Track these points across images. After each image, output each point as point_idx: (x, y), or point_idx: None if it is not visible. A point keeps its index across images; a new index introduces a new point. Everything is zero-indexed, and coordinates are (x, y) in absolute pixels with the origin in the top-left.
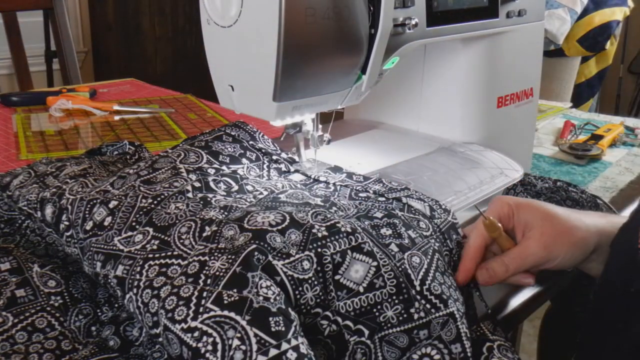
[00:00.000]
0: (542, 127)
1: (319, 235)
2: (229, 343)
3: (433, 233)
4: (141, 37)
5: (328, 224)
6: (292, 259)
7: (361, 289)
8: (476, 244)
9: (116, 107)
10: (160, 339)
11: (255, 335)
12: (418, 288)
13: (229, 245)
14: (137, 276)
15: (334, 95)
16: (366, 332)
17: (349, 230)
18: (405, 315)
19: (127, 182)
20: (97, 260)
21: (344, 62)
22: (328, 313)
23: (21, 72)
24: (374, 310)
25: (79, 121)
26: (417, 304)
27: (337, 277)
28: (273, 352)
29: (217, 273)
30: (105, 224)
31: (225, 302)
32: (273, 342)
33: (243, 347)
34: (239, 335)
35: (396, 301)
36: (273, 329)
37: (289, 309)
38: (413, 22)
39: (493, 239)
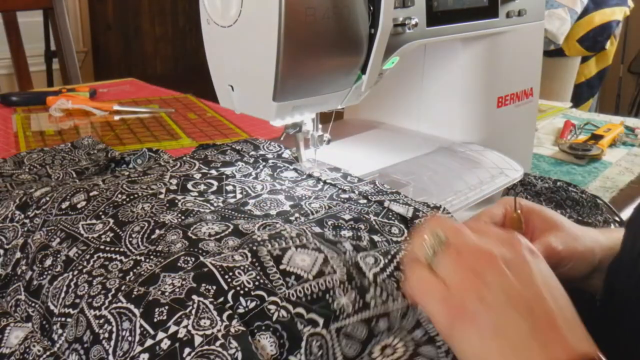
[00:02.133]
0: (542, 127)
1: (258, 239)
2: (122, 334)
3: (407, 238)
4: (141, 37)
5: (272, 232)
6: (222, 255)
7: (310, 277)
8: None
9: (116, 107)
10: (68, 319)
11: (141, 326)
12: (371, 278)
13: (166, 249)
14: (85, 263)
15: (334, 95)
16: (320, 321)
17: (294, 235)
18: (361, 304)
19: (117, 180)
20: (58, 236)
21: (344, 62)
22: (276, 299)
23: (21, 72)
24: (327, 296)
25: (78, 121)
26: (372, 291)
27: (281, 266)
28: (149, 342)
29: (142, 272)
30: (79, 206)
31: (133, 296)
32: (151, 332)
33: (130, 338)
34: (131, 327)
35: (349, 288)
36: (156, 319)
37: (197, 297)
38: (413, 22)
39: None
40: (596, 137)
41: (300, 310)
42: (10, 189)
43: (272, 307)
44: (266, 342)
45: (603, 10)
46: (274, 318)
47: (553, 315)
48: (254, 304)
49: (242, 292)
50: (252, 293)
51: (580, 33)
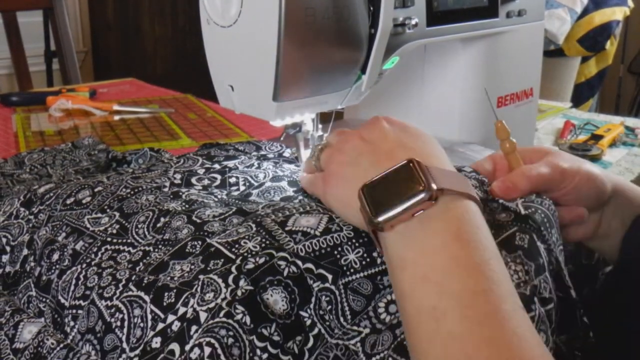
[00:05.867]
0: (542, 127)
1: (262, 213)
2: (133, 321)
3: None
4: (141, 37)
5: (276, 207)
6: (227, 232)
7: (317, 233)
8: (483, 166)
9: (116, 107)
10: (80, 311)
11: (152, 311)
12: None
13: (173, 237)
14: (92, 256)
15: (334, 95)
16: (329, 276)
17: (297, 206)
18: (368, 260)
19: (121, 177)
20: (63, 231)
21: (344, 62)
22: (285, 254)
23: (21, 72)
24: (335, 252)
25: (78, 121)
26: (378, 248)
27: (287, 228)
28: (160, 326)
29: (152, 262)
30: (84, 202)
31: (143, 284)
32: (162, 315)
33: (142, 325)
34: (142, 313)
35: (356, 244)
36: (165, 303)
37: (204, 275)
38: (413, 22)
39: (505, 154)
40: (596, 137)
41: (310, 265)
42: (11, 185)
43: (282, 263)
44: (278, 297)
45: (603, 10)
46: (285, 273)
47: (392, 148)
48: (263, 259)
49: (249, 255)
50: (261, 252)
51: (580, 33)
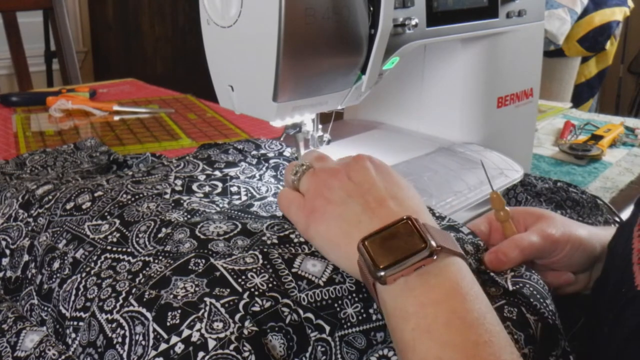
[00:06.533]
0: (542, 127)
1: (268, 242)
2: (135, 338)
3: None
4: (141, 37)
5: (281, 234)
6: (233, 257)
7: (321, 283)
8: (479, 227)
9: (116, 108)
10: (81, 323)
11: (154, 330)
12: None
13: (174, 249)
14: (92, 265)
15: (334, 95)
16: (327, 328)
17: (302, 240)
18: (364, 315)
19: (121, 180)
20: (64, 238)
21: (344, 62)
22: (288, 301)
23: (21, 72)
24: (335, 305)
25: (78, 121)
26: (375, 305)
27: (293, 269)
28: (163, 346)
29: (152, 274)
30: (84, 207)
31: (144, 299)
32: (165, 336)
33: (143, 343)
34: (144, 331)
35: (356, 299)
36: (169, 323)
37: (210, 298)
38: (413, 22)
39: (500, 222)
40: (596, 138)
41: (310, 315)
42: (9, 181)
43: (286, 310)
44: (277, 343)
45: (603, 10)
46: (287, 320)
47: (383, 197)
48: (269, 303)
49: (256, 293)
50: (267, 294)
51: (580, 33)
